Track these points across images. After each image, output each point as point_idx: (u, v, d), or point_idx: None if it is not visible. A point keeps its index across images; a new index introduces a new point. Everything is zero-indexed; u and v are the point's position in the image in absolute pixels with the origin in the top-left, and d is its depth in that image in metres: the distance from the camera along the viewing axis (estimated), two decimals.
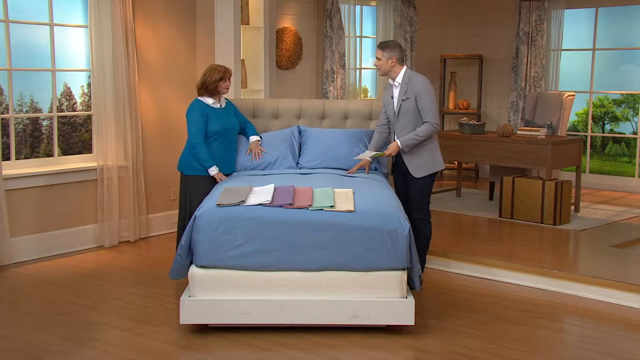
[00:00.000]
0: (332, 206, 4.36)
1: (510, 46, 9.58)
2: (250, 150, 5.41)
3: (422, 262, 5.29)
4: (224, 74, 5.20)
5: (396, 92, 5.09)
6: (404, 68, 5.07)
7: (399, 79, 5.06)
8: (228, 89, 5.28)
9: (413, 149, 5.05)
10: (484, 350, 4.14)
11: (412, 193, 5.13)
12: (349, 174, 5.23)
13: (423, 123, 5.01)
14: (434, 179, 5.21)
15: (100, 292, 5.17)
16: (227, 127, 5.25)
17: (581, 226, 6.83)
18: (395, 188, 5.23)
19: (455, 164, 9.19)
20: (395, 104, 5.08)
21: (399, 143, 5.03)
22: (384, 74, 5.09)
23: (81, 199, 6.26)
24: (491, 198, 8.13)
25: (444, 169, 9.70)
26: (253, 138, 5.46)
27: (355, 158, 5.33)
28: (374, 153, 5.22)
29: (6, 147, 5.90)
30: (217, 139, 5.20)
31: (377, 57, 5.05)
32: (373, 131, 5.53)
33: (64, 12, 6.23)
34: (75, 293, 5.10)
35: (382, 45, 5.04)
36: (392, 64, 5.02)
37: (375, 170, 5.46)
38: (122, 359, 4.00)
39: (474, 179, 9.66)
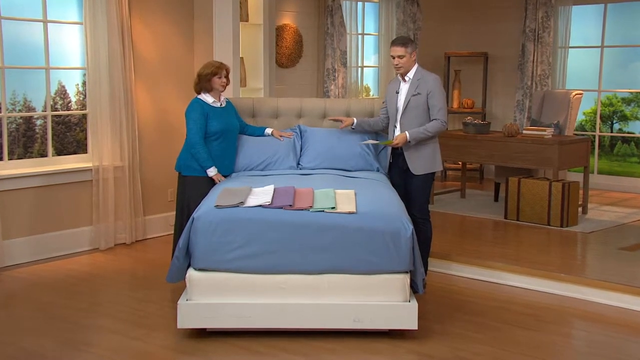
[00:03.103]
0: (334, 207, 4.37)
1: (516, 43, 9.58)
2: (280, 136, 5.53)
3: (425, 265, 5.29)
4: (218, 69, 5.20)
5: (405, 87, 5.12)
6: (416, 64, 5.15)
7: (411, 74, 5.11)
8: (224, 86, 5.28)
9: (417, 145, 5.09)
10: (490, 355, 4.14)
11: (414, 191, 5.16)
12: (331, 119, 5.55)
13: (432, 120, 5.06)
14: (433, 177, 5.28)
15: (96, 296, 5.18)
16: (228, 126, 5.26)
17: (589, 228, 6.84)
18: (394, 187, 5.25)
19: (459, 164, 9.20)
20: (403, 99, 5.12)
21: (407, 135, 5.06)
22: (405, 72, 5.11)
23: (76, 201, 6.27)
24: (496, 199, 8.14)
25: (447, 170, 9.90)
26: (269, 129, 5.58)
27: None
28: (382, 141, 5.22)
29: None
30: (217, 139, 5.21)
31: (399, 55, 5.04)
32: (375, 132, 5.58)
33: (58, 8, 6.25)
34: (70, 296, 5.10)
35: (402, 41, 5.07)
36: (414, 58, 5.09)
37: (377, 170, 5.48)
38: None
39: (479, 180, 9.66)
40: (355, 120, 5.45)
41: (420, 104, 5.08)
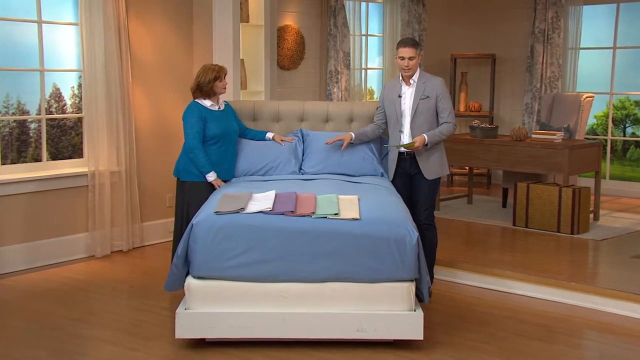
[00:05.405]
0: (336, 214, 4.38)
1: (524, 45, 9.59)
2: (282, 140, 5.53)
3: (431, 273, 5.30)
4: (219, 72, 5.21)
5: (410, 90, 5.15)
6: (418, 67, 5.19)
7: (415, 77, 5.15)
8: (225, 88, 5.30)
9: (428, 149, 5.13)
10: None
11: (422, 196, 5.19)
12: (328, 143, 5.43)
13: (443, 123, 5.12)
14: (439, 182, 5.33)
15: (92, 305, 5.19)
16: (226, 130, 5.27)
17: (601, 235, 6.83)
18: (399, 193, 5.25)
19: (466, 169, 9.20)
20: (409, 103, 5.14)
21: (425, 138, 5.08)
22: (412, 74, 5.13)
23: (71, 207, 6.28)
24: (504, 205, 8.14)
25: (454, 175, 9.90)
26: (270, 133, 5.58)
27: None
28: (404, 143, 5.18)
29: None
30: (216, 143, 5.22)
31: (410, 57, 5.05)
32: (380, 134, 5.59)
33: (53, 8, 6.27)
34: (65, 305, 5.11)
35: (413, 43, 5.10)
36: (420, 61, 5.15)
37: (382, 175, 5.49)
38: None
39: (486, 186, 9.67)
40: (353, 135, 5.44)
41: (430, 107, 5.12)
